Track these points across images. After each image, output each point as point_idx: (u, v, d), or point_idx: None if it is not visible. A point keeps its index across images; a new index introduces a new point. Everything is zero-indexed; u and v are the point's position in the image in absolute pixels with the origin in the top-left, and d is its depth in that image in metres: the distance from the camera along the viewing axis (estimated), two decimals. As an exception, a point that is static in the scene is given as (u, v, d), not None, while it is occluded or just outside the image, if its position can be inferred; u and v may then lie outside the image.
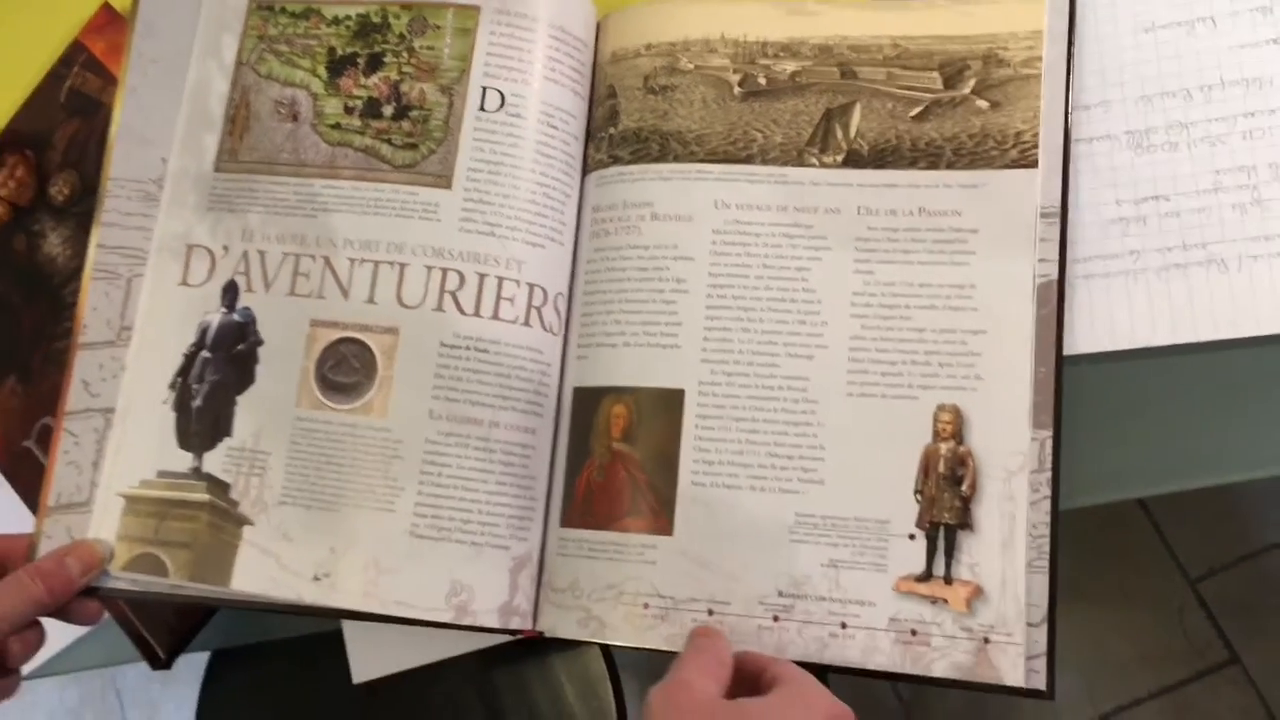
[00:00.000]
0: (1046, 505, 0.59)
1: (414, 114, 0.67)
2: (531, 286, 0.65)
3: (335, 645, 0.70)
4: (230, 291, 0.66)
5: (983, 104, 0.64)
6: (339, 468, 0.63)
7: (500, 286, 0.64)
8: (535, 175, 0.66)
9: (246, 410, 0.65)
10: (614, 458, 0.64)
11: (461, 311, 0.64)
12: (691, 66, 0.67)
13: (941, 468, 0.60)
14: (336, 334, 0.65)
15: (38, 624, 0.62)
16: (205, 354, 0.66)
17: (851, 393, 0.62)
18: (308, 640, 0.71)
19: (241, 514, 0.63)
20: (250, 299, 0.66)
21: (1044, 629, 0.58)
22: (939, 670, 0.59)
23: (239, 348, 0.65)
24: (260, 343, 0.65)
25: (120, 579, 0.63)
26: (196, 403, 0.65)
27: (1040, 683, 0.58)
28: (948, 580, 0.59)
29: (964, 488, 0.60)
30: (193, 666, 0.90)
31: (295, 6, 0.69)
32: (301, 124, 0.68)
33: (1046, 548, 0.59)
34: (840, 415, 0.62)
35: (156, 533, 0.64)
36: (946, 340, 0.61)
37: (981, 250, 0.62)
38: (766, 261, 0.64)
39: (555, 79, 0.67)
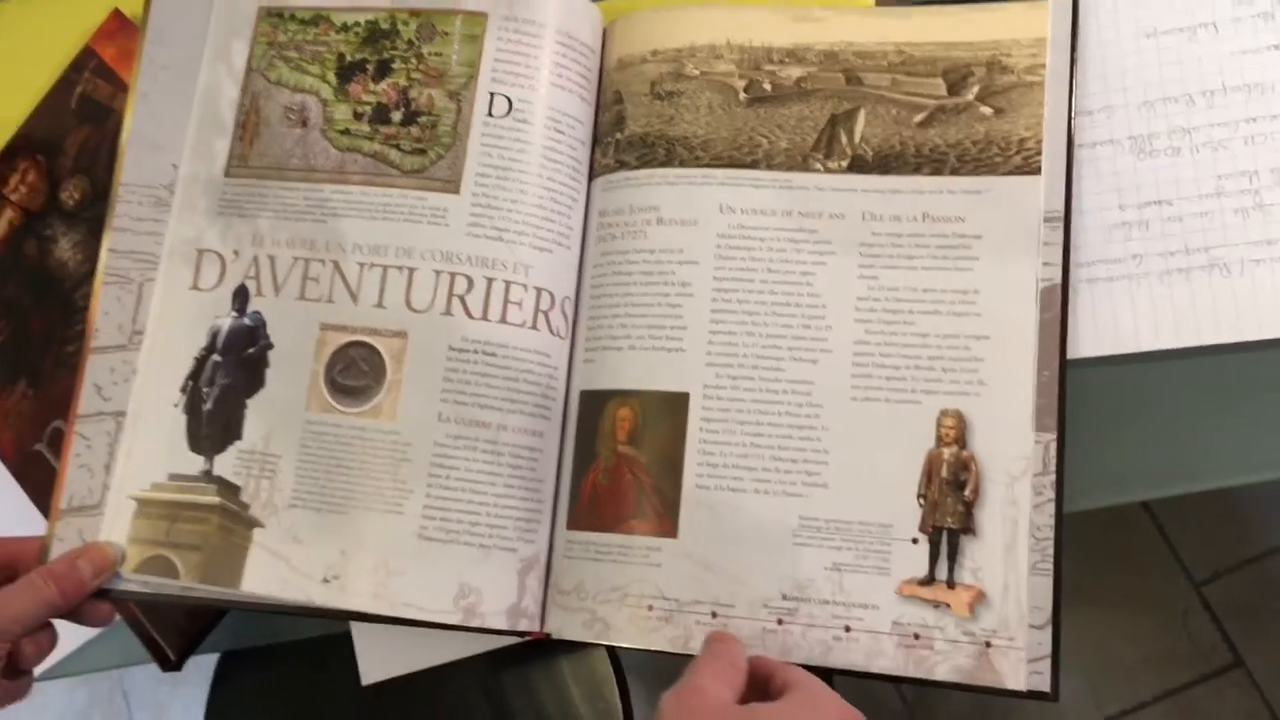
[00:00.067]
0: (1050, 508, 0.59)
1: (422, 119, 0.67)
2: (539, 291, 0.65)
3: (344, 647, 0.71)
4: (240, 296, 0.67)
5: (986, 110, 0.64)
6: (348, 471, 0.64)
7: (508, 291, 0.65)
8: (542, 180, 0.66)
9: (257, 414, 0.65)
10: (619, 460, 0.64)
11: (469, 315, 0.64)
12: (697, 72, 0.68)
13: (944, 473, 0.60)
14: (346, 338, 0.65)
15: (50, 626, 0.63)
16: (216, 358, 0.66)
17: (855, 397, 0.62)
18: (316, 642, 0.72)
19: (252, 516, 0.64)
20: (260, 303, 0.67)
21: (1048, 632, 0.58)
22: (942, 673, 0.59)
23: (249, 351, 0.66)
24: (270, 347, 0.66)
25: (132, 581, 0.64)
26: (207, 406, 0.66)
27: (1044, 685, 0.58)
28: (950, 585, 0.60)
29: (966, 493, 0.60)
30: (200, 668, 0.90)
31: (305, 13, 0.70)
32: (311, 129, 0.68)
33: (1050, 550, 0.59)
34: (844, 419, 0.62)
35: (167, 535, 0.64)
36: (950, 345, 0.62)
37: (985, 256, 0.62)
38: (771, 266, 0.64)
39: (562, 85, 0.68)
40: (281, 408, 0.65)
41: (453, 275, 0.65)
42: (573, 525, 0.65)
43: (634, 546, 0.63)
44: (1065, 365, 0.61)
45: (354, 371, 0.65)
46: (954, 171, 0.64)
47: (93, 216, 0.75)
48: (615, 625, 0.63)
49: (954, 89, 0.65)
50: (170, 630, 0.71)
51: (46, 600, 0.60)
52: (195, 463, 0.65)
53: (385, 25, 0.69)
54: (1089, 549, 1.41)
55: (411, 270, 0.65)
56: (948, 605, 0.59)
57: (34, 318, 0.75)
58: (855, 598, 0.60)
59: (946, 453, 0.61)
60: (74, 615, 0.63)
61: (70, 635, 0.70)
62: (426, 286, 0.65)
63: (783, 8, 0.68)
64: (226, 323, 0.67)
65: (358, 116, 0.68)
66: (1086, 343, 0.63)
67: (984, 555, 0.60)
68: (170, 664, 0.72)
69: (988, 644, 0.59)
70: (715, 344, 0.64)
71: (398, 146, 0.67)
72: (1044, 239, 0.62)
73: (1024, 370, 0.61)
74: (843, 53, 0.67)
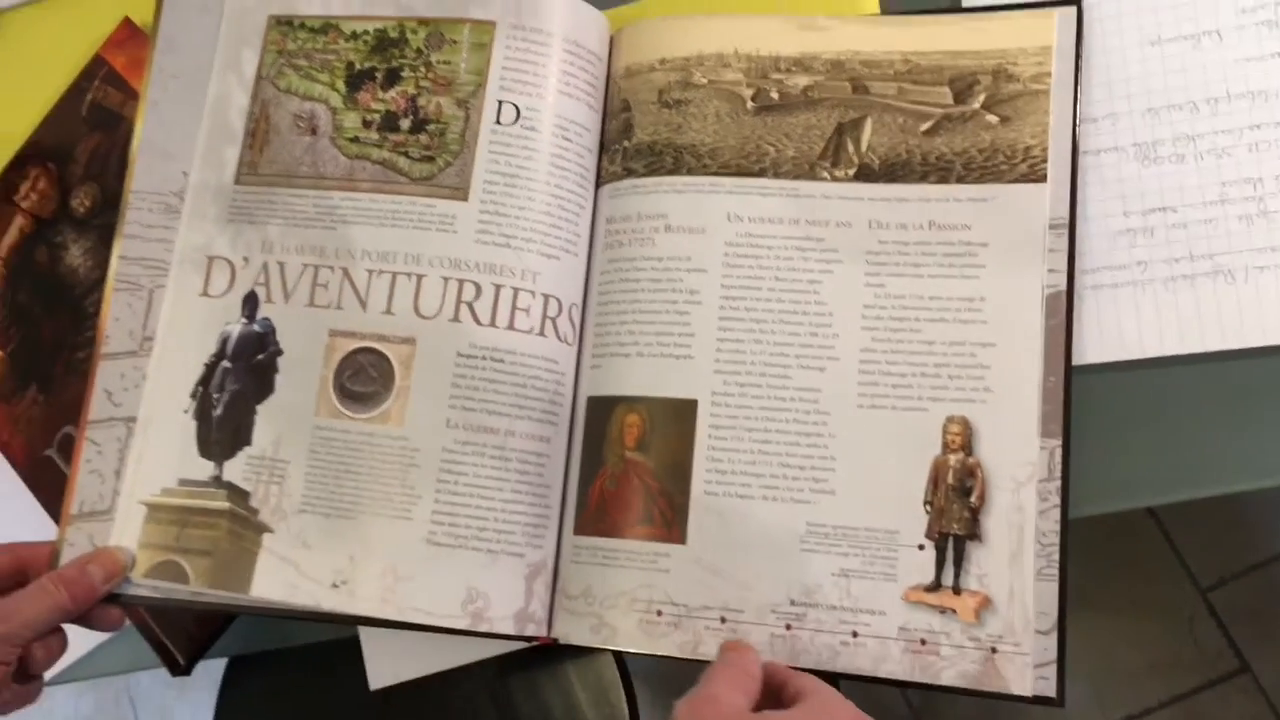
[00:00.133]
0: (1056, 514, 0.60)
1: (431, 127, 0.68)
2: (546, 297, 0.66)
3: (352, 652, 0.71)
4: (250, 302, 0.67)
5: (992, 119, 0.64)
6: (357, 476, 0.64)
7: (516, 297, 0.65)
8: (550, 187, 0.67)
9: (266, 419, 0.66)
10: (627, 466, 0.64)
11: (477, 322, 0.65)
12: (705, 81, 0.68)
13: (950, 479, 0.61)
14: (354, 344, 0.66)
15: (60, 630, 0.63)
16: (226, 364, 0.67)
17: (862, 404, 0.62)
18: (325, 647, 0.72)
19: (261, 522, 0.64)
20: (270, 310, 0.67)
21: (1053, 637, 0.59)
22: (947, 679, 0.59)
23: (259, 358, 0.66)
24: (280, 353, 0.66)
25: (142, 586, 0.64)
26: (217, 412, 0.66)
27: (1050, 690, 0.58)
28: (956, 591, 0.60)
29: (973, 499, 0.60)
30: (207, 673, 0.90)
31: (314, 22, 0.70)
32: (320, 137, 0.69)
33: (1056, 556, 0.59)
34: (851, 426, 0.62)
35: (177, 540, 0.65)
36: (956, 352, 0.62)
37: (991, 263, 0.63)
38: (779, 274, 0.65)
39: (569, 92, 0.68)
40: (291, 413, 0.65)
41: (461, 282, 0.65)
42: (580, 530, 0.65)
43: (642, 552, 0.63)
44: (1070, 371, 0.61)
45: (363, 377, 0.65)
46: (960, 179, 0.64)
47: (103, 224, 0.75)
48: (623, 630, 0.63)
49: (960, 97, 0.65)
50: (179, 635, 0.72)
51: (57, 605, 0.61)
52: (205, 468, 0.65)
53: (394, 34, 0.69)
54: (1094, 555, 1.41)
55: (420, 277, 0.65)
56: (954, 611, 0.60)
57: (45, 324, 0.76)
58: (862, 603, 0.61)
59: (953, 459, 0.61)
60: (84, 620, 0.64)
61: (80, 640, 0.70)
62: (435, 293, 0.65)
63: (789, 17, 0.68)
64: (236, 329, 0.67)
65: (367, 124, 0.68)
66: (1091, 349, 0.64)
67: (990, 561, 0.60)
68: (179, 669, 0.72)
69: (993, 649, 0.59)
70: (723, 351, 0.64)
71: (406, 154, 0.67)
72: (1049, 246, 0.62)
73: (1030, 377, 0.61)
74: (849, 62, 0.67)
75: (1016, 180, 0.63)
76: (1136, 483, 0.64)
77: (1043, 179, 0.63)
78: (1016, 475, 0.60)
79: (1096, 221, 0.65)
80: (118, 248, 0.68)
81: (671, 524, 0.63)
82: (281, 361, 0.66)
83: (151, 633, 0.71)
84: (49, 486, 0.74)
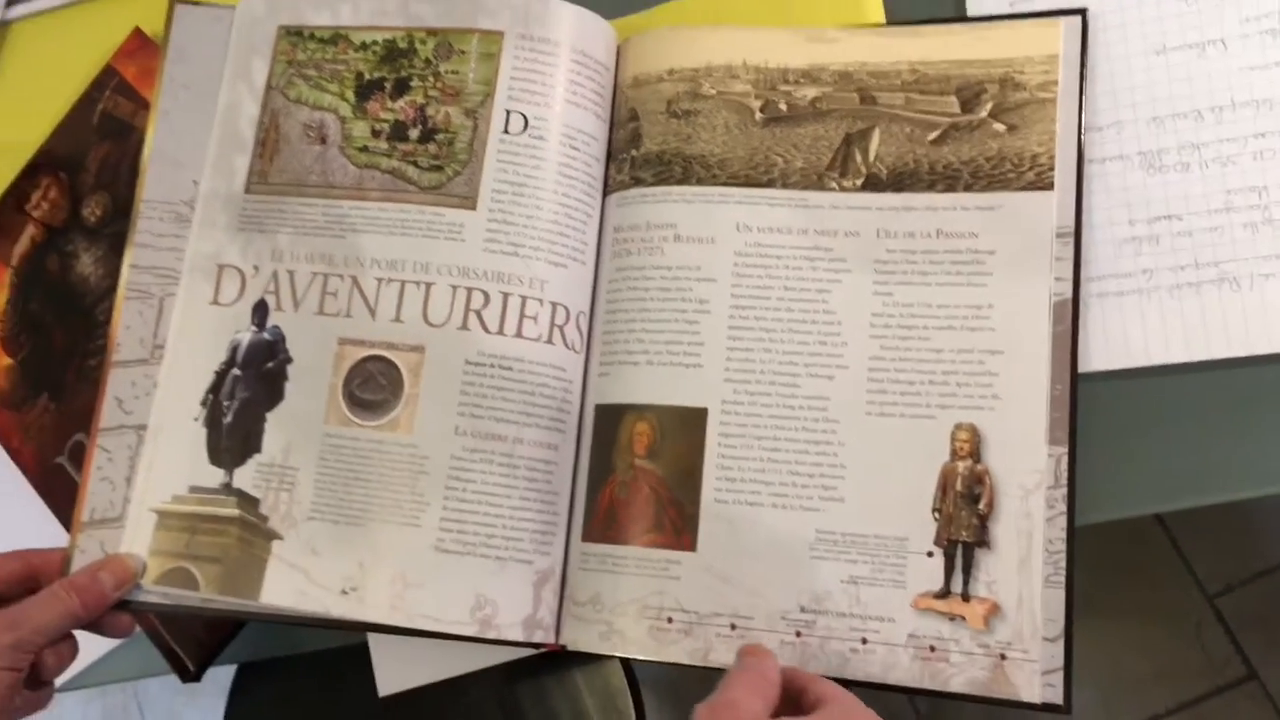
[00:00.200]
0: (1063, 521, 0.60)
1: (439, 137, 0.68)
2: (554, 305, 0.66)
3: (360, 658, 0.71)
4: (260, 310, 0.68)
5: (999, 127, 0.65)
6: (366, 483, 0.64)
7: (524, 305, 0.65)
8: (558, 196, 0.67)
9: (276, 427, 0.66)
10: (637, 474, 0.65)
11: (486, 330, 0.65)
12: (714, 92, 0.69)
13: (959, 486, 0.61)
14: (364, 352, 0.66)
15: (71, 637, 0.63)
16: (236, 371, 0.67)
17: (871, 412, 0.63)
18: (333, 653, 0.72)
19: (271, 529, 0.65)
20: (280, 318, 0.67)
21: (1061, 644, 0.59)
22: (956, 685, 0.59)
23: (269, 365, 0.67)
24: (289, 361, 0.67)
25: (152, 592, 0.65)
26: (227, 419, 0.66)
27: (1057, 697, 0.58)
28: (965, 597, 0.60)
29: (981, 506, 0.60)
30: (215, 679, 0.91)
31: (323, 32, 0.71)
32: (330, 146, 0.69)
33: (1063, 563, 0.59)
34: (860, 434, 0.63)
35: (188, 547, 0.65)
36: (964, 360, 0.62)
37: (998, 271, 0.63)
38: (788, 283, 0.65)
39: (577, 102, 0.68)
40: (300, 421, 0.66)
41: (469, 290, 0.65)
42: (588, 537, 0.65)
43: (652, 559, 0.63)
44: (1076, 379, 0.61)
45: (372, 385, 0.65)
46: (967, 188, 0.64)
47: (114, 232, 0.76)
48: (633, 637, 0.63)
49: (967, 106, 0.65)
50: (189, 641, 0.72)
51: (68, 611, 0.61)
52: (215, 475, 0.66)
53: (403, 44, 0.70)
54: (1102, 562, 1.41)
55: (429, 285, 0.66)
56: (963, 618, 0.60)
57: (56, 332, 0.76)
58: (872, 610, 0.61)
59: (961, 466, 0.61)
60: (95, 626, 0.64)
61: (91, 646, 0.71)
62: (443, 301, 0.65)
63: (797, 29, 0.69)
64: (246, 337, 0.67)
65: (376, 134, 0.69)
66: (1097, 357, 0.64)
67: (998, 568, 0.60)
68: (189, 675, 0.72)
69: (1002, 656, 0.59)
70: (733, 360, 0.64)
71: (415, 163, 0.68)
72: (1056, 254, 0.63)
73: (1037, 384, 0.61)
74: (857, 73, 0.67)
75: (1023, 188, 0.63)
76: (1143, 490, 0.64)
77: (1049, 187, 0.63)
78: (1024, 482, 0.60)
79: (1102, 229, 0.65)
80: (129, 256, 0.69)
81: (682, 531, 0.63)
82: (291, 369, 0.67)
83: (161, 639, 0.72)
84: (60, 494, 0.74)
